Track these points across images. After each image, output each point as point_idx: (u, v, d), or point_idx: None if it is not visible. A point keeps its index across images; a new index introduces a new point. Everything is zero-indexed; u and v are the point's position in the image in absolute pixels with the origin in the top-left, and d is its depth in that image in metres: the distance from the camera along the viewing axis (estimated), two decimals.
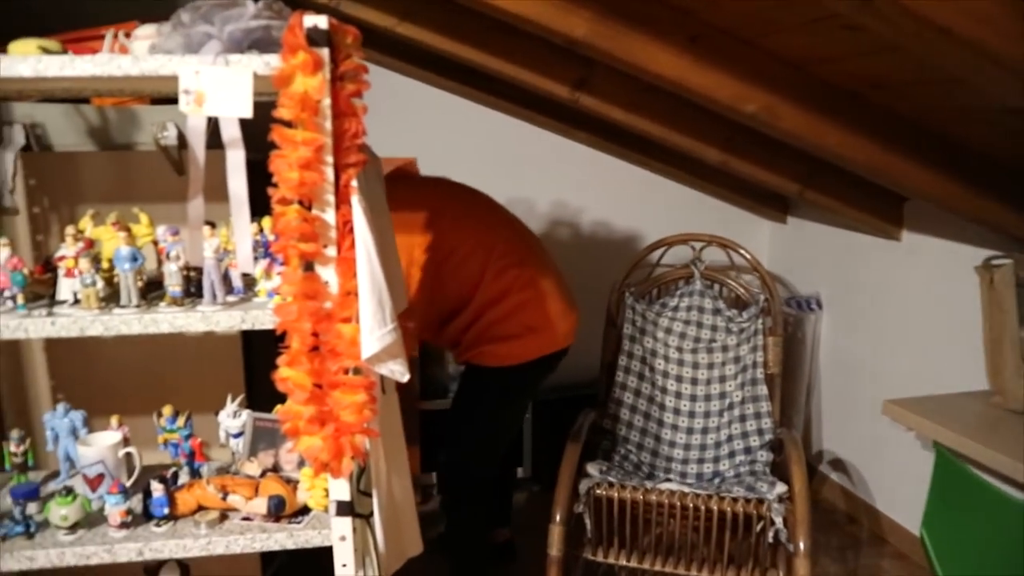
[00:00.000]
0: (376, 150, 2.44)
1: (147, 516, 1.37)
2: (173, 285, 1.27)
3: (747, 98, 1.71)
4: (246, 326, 1.25)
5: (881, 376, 2.79)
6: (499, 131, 3.08)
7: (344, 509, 1.31)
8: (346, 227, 1.22)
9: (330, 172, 1.19)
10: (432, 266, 2.02)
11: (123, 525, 1.34)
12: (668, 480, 2.11)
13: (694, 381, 2.58)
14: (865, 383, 2.87)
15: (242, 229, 1.20)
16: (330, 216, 1.21)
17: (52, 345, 1.89)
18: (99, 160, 1.87)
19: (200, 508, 1.38)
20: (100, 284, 1.25)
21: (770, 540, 2.00)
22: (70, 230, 1.28)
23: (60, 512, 1.32)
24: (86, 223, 1.44)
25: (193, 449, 1.48)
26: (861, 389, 2.88)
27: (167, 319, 1.24)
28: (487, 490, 2.27)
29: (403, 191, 2.11)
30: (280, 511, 1.35)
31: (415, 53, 2.51)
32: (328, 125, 1.18)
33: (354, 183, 1.21)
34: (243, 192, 1.19)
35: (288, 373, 1.20)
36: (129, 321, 1.23)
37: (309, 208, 1.20)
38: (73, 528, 1.34)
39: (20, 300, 1.26)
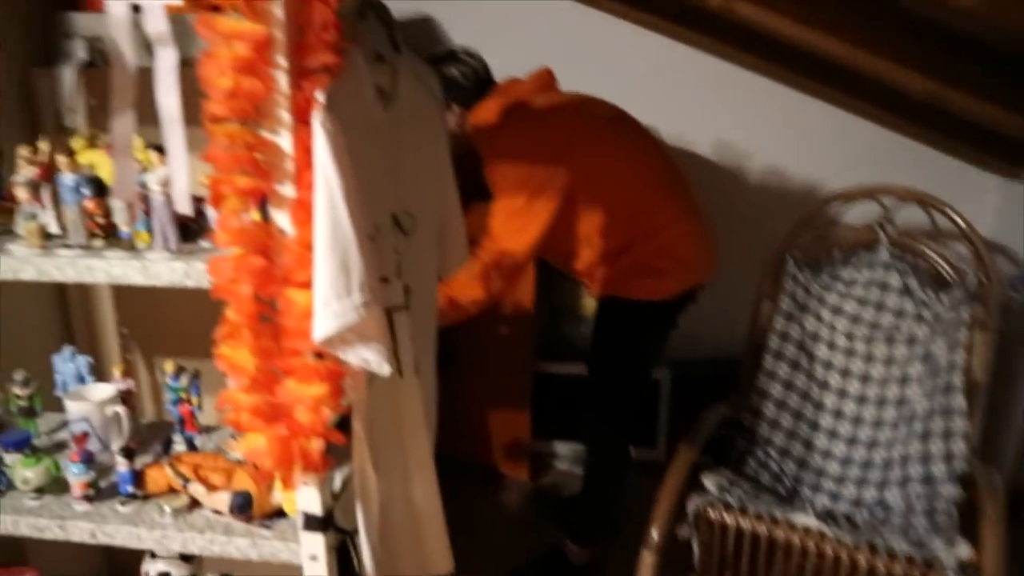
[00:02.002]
0: (501, 68, 2.14)
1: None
2: (121, 223, 1.02)
3: None
4: (190, 283, 0.98)
5: None
6: (650, 53, 2.58)
7: (314, 523, 1.03)
8: (307, 158, 0.89)
9: (283, 80, 0.87)
10: (572, 193, 1.83)
11: (85, 499, 1.15)
12: (805, 510, 1.64)
13: (865, 379, 2.02)
14: None
15: (176, 155, 0.91)
16: (285, 141, 0.89)
17: None
18: None
19: (172, 490, 1.17)
20: (44, 218, 1.03)
21: None
22: (23, 152, 1.07)
23: (23, 474, 1.16)
24: (79, 144, 1.23)
25: (183, 416, 1.27)
26: None
27: (103, 267, 1.00)
28: (629, 430, 2.21)
29: (539, 108, 1.90)
30: (245, 511, 1.09)
31: None
32: (280, 13, 0.85)
33: (319, 96, 0.88)
34: (175, 105, 0.89)
35: (225, 350, 0.91)
36: (62, 267, 1.00)
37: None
38: (39, 493, 1.18)
39: None
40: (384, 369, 0.95)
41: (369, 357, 0.93)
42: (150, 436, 1.37)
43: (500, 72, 2.06)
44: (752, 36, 2.13)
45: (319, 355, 0.93)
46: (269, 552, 1.07)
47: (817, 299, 2.06)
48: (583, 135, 1.90)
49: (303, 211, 0.89)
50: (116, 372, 1.35)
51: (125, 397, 1.32)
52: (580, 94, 2.04)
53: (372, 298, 0.91)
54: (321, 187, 0.88)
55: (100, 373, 1.43)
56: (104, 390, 1.29)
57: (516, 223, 1.78)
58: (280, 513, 1.12)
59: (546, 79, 2.04)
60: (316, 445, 0.93)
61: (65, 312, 1.75)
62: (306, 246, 0.90)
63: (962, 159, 2.61)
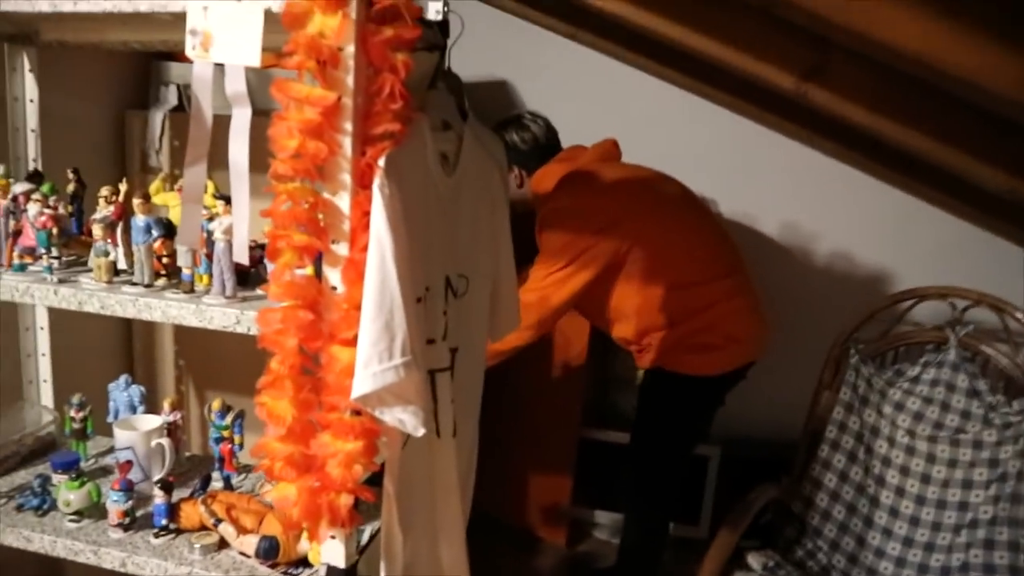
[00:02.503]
0: (571, 134, 2.17)
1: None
2: (184, 265, 1.07)
3: None
4: (241, 329, 1.01)
5: None
6: (719, 128, 2.59)
7: None
8: (363, 220, 0.92)
9: (347, 144, 0.90)
10: (623, 264, 1.88)
11: (120, 526, 1.18)
12: None
13: (925, 478, 1.92)
14: None
15: (241, 208, 0.95)
16: (344, 202, 0.92)
17: None
18: None
19: (204, 527, 1.18)
20: (114, 255, 1.09)
21: None
22: (104, 192, 1.13)
23: (66, 496, 1.20)
24: (155, 187, 1.30)
25: (223, 455, 1.29)
26: None
27: (160, 307, 1.04)
28: (674, 507, 2.21)
29: (598, 179, 1.94)
30: (271, 557, 1.10)
31: (607, 25, 2.12)
32: (351, 81, 0.88)
33: (381, 162, 0.91)
34: (244, 161, 0.94)
35: (266, 399, 0.93)
36: (123, 303, 1.05)
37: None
38: (79, 516, 1.21)
39: (45, 261, 1.14)
40: (419, 432, 0.95)
41: (405, 419, 0.94)
42: (191, 470, 1.40)
43: (569, 137, 2.09)
44: (824, 120, 2.11)
45: (356, 412, 0.94)
46: None
47: (879, 393, 1.99)
48: (641, 209, 1.92)
49: (355, 271, 0.91)
50: (166, 404, 1.39)
51: (171, 430, 1.36)
52: (642, 167, 2.06)
53: (413, 360, 0.92)
54: (374, 248, 0.90)
55: (153, 403, 1.47)
56: (152, 421, 1.33)
57: (548, 283, 1.84)
58: (305, 562, 1.12)
59: (609, 149, 2.07)
60: (345, 501, 0.93)
61: (128, 340, 1.83)
62: (355, 305, 0.92)
63: None
